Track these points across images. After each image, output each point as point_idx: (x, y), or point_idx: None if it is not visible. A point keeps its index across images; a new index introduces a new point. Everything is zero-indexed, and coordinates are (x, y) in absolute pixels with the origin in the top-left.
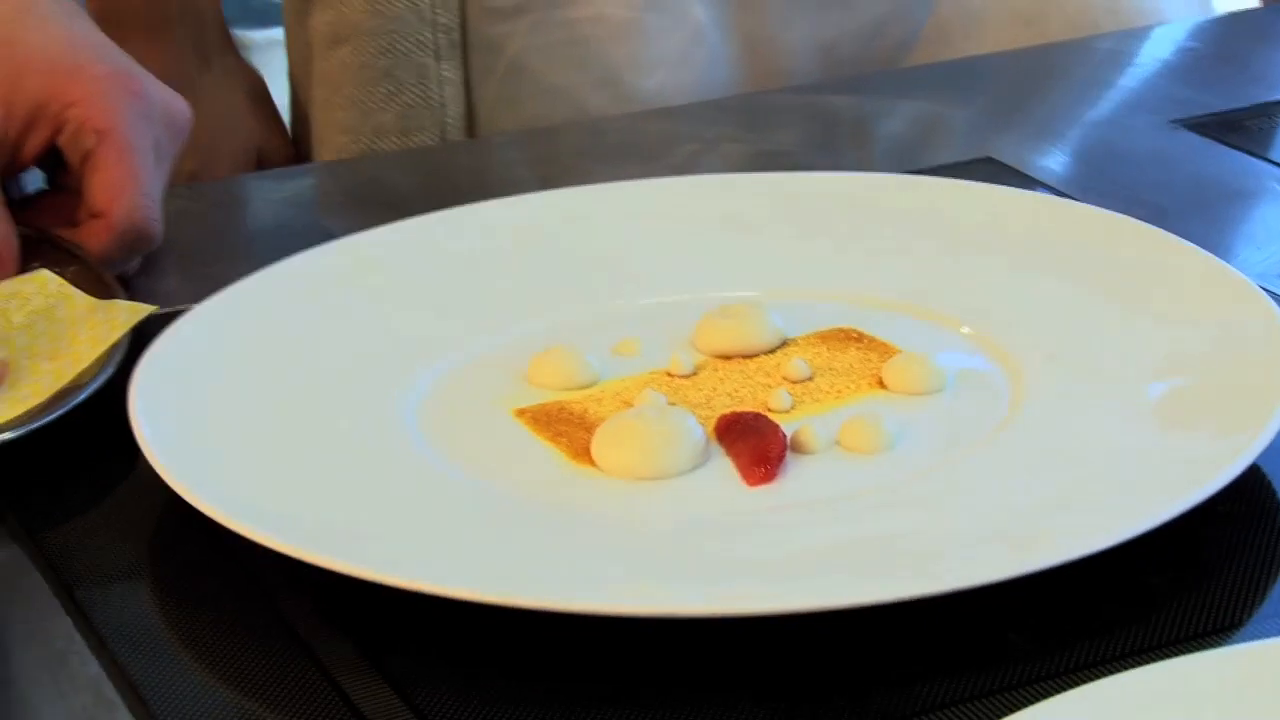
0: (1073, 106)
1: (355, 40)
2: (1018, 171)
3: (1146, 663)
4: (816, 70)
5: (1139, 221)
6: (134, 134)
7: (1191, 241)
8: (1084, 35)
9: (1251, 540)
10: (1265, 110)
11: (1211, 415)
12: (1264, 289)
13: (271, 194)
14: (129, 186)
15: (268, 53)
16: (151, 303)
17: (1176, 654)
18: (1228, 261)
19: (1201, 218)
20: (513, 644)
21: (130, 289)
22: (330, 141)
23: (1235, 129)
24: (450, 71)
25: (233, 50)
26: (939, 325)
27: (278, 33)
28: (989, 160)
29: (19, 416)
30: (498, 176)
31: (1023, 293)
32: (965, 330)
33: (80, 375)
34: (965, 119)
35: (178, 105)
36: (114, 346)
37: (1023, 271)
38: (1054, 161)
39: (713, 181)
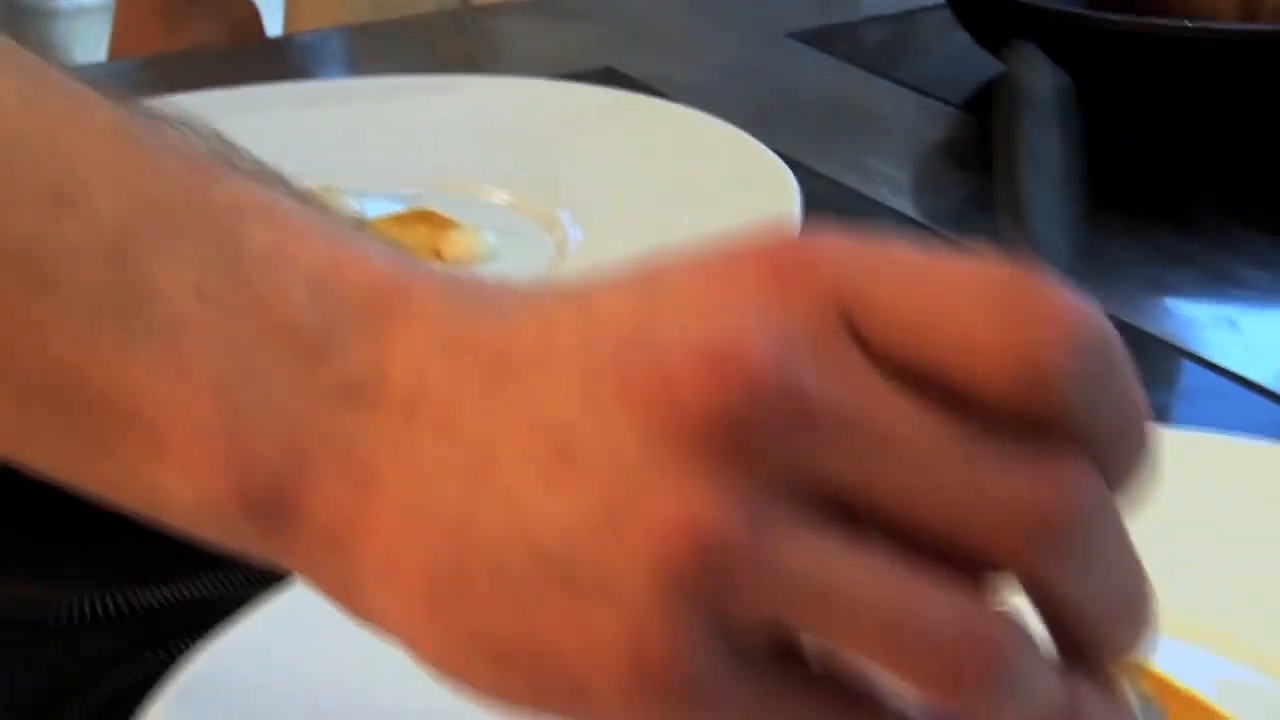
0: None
1: None
2: (632, 79)
3: None
4: None
5: (697, 111)
6: None
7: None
8: None
9: None
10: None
11: None
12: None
13: None
14: None
15: None
16: None
17: None
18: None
19: (791, 120)
20: None
21: None
22: (324, 14)
23: (844, 41)
24: None
25: None
26: (496, 202)
27: None
28: (610, 70)
29: None
30: None
31: (580, 172)
32: (505, 200)
33: None
34: (595, 35)
35: None
36: None
37: (582, 154)
38: (671, 72)
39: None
